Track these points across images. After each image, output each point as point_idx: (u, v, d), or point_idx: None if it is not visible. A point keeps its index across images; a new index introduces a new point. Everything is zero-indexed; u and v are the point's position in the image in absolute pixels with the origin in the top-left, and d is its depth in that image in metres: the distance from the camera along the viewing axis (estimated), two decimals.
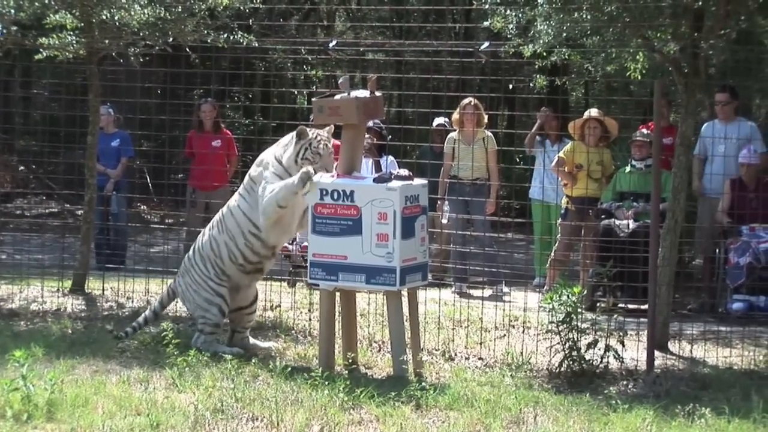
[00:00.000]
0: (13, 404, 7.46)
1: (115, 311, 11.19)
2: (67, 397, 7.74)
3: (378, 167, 12.97)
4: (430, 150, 13.84)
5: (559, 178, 12.90)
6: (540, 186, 13.55)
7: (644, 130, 12.54)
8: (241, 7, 12.02)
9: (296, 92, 26.37)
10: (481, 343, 9.97)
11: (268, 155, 9.50)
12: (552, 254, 12.83)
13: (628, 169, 12.46)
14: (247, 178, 9.61)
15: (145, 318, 10.07)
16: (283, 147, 9.42)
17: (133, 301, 11.51)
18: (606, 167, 12.78)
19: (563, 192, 12.88)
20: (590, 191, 12.60)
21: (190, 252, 9.90)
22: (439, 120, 14.13)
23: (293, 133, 9.33)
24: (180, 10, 11.43)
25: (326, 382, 8.00)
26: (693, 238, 12.68)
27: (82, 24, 11.56)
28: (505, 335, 10.30)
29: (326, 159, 9.22)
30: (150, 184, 19.43)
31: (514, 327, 10.61)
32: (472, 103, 13.22)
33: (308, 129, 9.33)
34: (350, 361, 9.05)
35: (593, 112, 13.10)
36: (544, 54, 11.03)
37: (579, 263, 12.69)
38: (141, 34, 11.55)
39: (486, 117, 13.39)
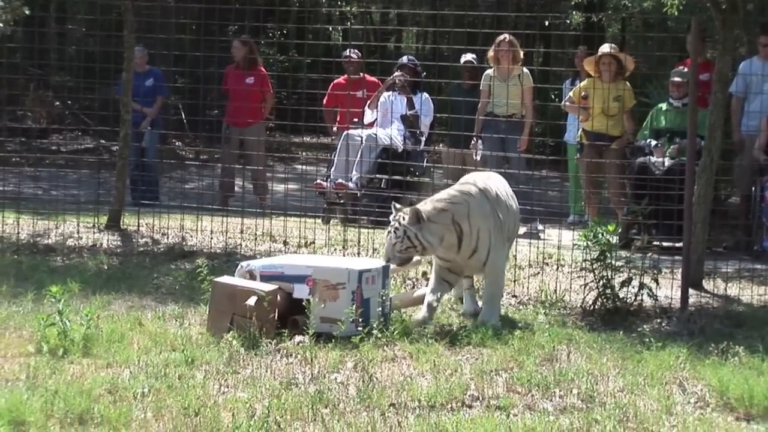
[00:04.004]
0: (49, 339, 7.53)
1: (150, 247, 11.25)
2: (102, 333, 7.82)
3: (411, 105, 12.89)
4: (458, 87, 13.73)
5: (576, 115, 12.84)
6: (574, 129, 13.40)
7: (682, 68, 12.38)
8: None
9: (331, 28, 26.29)
10: (515, 281, 9.97)
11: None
12: (586, 190, 12.76)
13: (664, 106, 12.35)
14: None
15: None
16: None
17: (168, 237, 11.55)
18: (626, 102, 12.60)
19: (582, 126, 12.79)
20: (605, 127, 12.44)
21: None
22: (466, 56, 13.95)
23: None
24: None
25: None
26: (729, 176, 12.57)
27: None
28: (539, 273, 10.30)
29: None
30: (185, 121, 19.43)
31: (548, 265, 10.58)
32: (507, 40, 13.10)
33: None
34: None
35: (606, 48, 12.90)
36: None
37: (611, 200, 12.63)
38: None
39: (522, 54, 13.27)
